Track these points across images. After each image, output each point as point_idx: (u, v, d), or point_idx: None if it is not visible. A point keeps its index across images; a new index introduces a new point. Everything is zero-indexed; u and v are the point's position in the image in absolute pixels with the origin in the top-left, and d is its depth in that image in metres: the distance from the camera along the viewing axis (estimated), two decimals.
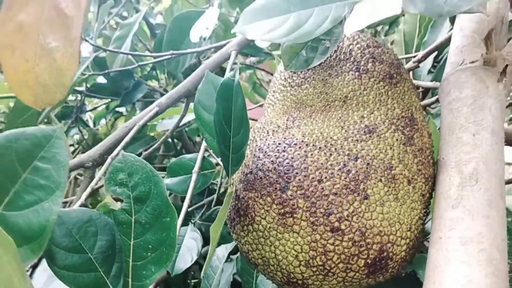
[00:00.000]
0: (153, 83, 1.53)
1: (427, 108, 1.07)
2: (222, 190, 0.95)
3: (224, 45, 0.71)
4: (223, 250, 0.78)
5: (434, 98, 0.98)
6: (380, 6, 0.38)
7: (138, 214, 0.38)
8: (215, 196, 0.92)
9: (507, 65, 0.54)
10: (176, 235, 0.37)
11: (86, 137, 1.42)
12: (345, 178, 0.43)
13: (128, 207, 0.38)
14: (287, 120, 0.49)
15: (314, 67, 0.52)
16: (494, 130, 0.49)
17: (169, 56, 0.80)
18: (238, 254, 0.75)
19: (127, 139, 0.56)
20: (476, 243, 0.40)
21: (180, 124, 0.96)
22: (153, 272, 0.37)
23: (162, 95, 1.49)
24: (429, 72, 1.09)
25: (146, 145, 1.34)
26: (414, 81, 1.03)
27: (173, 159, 1.52)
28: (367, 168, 0.44)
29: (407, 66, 0.91)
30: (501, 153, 0.49)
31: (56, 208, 0.29)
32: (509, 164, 2.61)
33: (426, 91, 1.13)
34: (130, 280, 0.36)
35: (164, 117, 1.05)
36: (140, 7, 1.34)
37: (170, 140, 1.47)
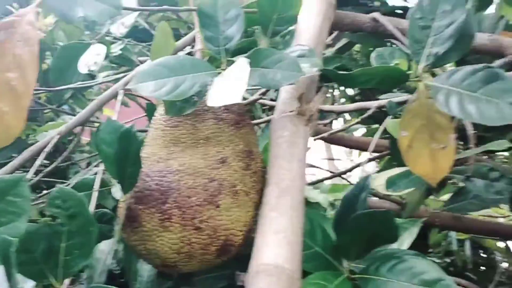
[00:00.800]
0: None
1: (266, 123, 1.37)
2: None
3: (112, 80, 0.88)
4: (104, 245, 0.95)
5: (270, 117, 1.27)
6: (227, 90, 0.61)
7: (69, 226, 0.55)
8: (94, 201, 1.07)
9: (312, 115, 0.83)
10: (95, 238, 0.56)
11: None
12: (205, 194, 0.66)
13: (62, 221, 0.55)
14: (167, 153, 0.70)
15: (186, 114, 0.73)
16: (300, 159, 0.76)
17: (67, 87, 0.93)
18: (115, 247, 0.93)
19: (38, 162, 0.71)
20: (282, 232, 0.66)
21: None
22: (78, 262, 0.55)
23: (36, 102, 1.57)
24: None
25: (17, 149, 1.41)
26: (261, 101, 1.32)
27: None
28: (219, 187, 0.67)
29: (254, 96, 1.17)
30: (303, 174, 0.76)
31: (23, 226, 0.46)
32: (338, 160, 3.12)
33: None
34: (63, 269, 0.54)
35: (46, 130, 1.16)
36: None
37: None
